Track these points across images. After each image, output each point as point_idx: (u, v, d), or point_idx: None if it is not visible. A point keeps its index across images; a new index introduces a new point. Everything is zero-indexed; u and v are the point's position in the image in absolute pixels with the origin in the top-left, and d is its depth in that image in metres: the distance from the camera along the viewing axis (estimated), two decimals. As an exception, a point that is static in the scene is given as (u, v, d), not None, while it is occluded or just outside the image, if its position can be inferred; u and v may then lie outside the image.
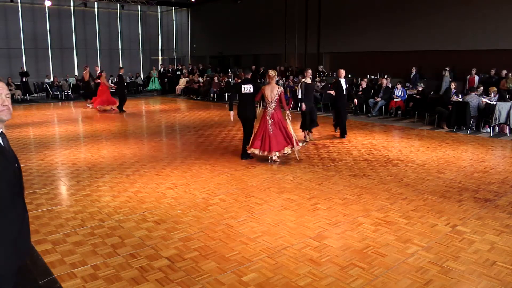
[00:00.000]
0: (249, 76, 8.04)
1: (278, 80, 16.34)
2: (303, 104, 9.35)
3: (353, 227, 4.71)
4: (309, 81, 9.32)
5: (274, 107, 7.48)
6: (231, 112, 7.96)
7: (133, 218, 5.01)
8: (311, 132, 9.85)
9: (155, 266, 3.84)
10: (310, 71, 9.49)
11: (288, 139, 7.52)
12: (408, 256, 4.01)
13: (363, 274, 3.67)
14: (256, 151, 7.52)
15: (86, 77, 17.42)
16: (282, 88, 7.61)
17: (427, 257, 3.99)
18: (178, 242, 4.35)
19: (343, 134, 10.03)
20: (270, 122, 7.45)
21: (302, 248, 4.18)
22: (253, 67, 21.65)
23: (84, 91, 18.30)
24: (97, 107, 15.60)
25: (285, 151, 7.53)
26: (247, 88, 7.70)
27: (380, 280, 3.58)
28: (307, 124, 9.53)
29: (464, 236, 4.45)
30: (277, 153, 7.46)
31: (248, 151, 7.72)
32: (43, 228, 4.70)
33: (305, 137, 9.65)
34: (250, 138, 7.81)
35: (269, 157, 7.59)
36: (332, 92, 10.15)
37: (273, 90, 7.44)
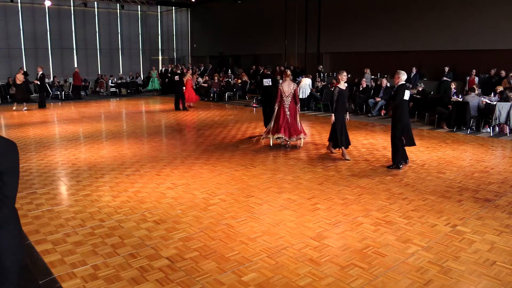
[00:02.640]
0: (269, 72, 11.01)
1: (278, 79, 16.40)
2: (333, 115, 7.81)
3: (353, 227, 4.71)
4: (343, 86, 7.82)
5: (290, 100, 8.83)
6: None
7: (133, 218, 5.01)
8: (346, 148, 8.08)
9: (155, 266, 3.84)
10: (345, 73, 7.85)
11: (301, 128, 9.00)
12: (408, 256, 4.01)
13: (363, 274, 3.67)
14: (281, 135, 8.82)
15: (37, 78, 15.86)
16: (296, 85, 9.03)
17: (427, 257, 3.99)
18: (178, 242, 4.35)
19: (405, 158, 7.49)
20: (288, 113, 8.82)
21: (302, 248, 4.18)
22: (253, 67, 21.73)
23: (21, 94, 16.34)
24: (188, 104, 16.40)
25: (300, 137, 8.94)
26: (267, 82, 10.46)
27: (380, 280, 3.58)
28: (343, 140, 7.87)
29: (464, 236, 4.45)
30: (294, 138, 8.89)
31: (274, 136, 8.92)
32: (43, 228, 4.70)
33: (343, 154, 7.94)
34: (269, 119, 9.46)
35: (286, 143, 9.06)
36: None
37: (290, 86, 8.83)
